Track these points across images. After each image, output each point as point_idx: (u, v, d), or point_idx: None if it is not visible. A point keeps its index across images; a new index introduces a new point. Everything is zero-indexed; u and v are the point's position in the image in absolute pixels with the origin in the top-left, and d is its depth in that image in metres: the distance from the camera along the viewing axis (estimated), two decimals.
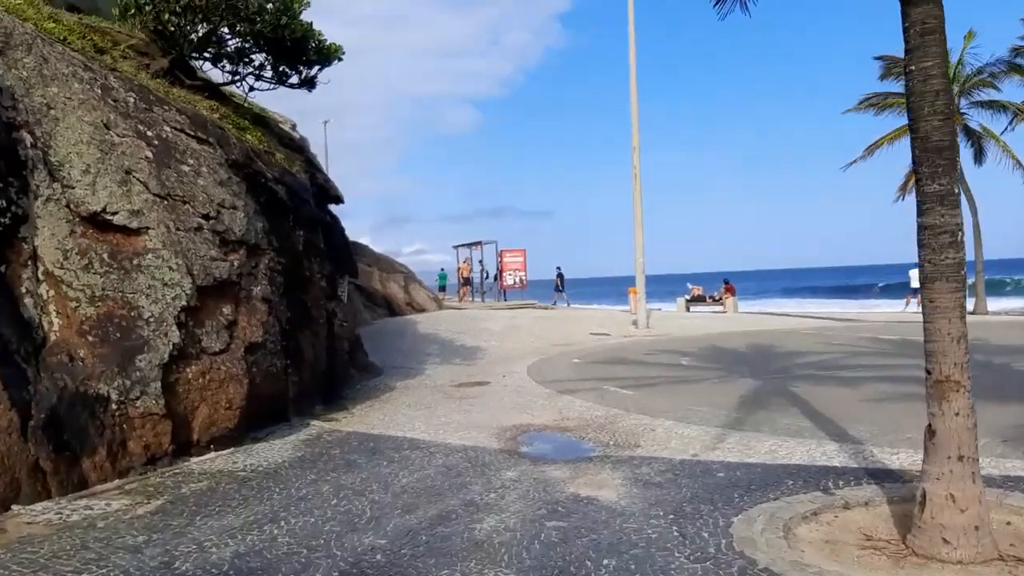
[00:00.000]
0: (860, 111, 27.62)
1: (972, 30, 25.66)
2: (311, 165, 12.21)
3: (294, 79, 10.26)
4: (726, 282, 28.64)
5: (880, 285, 69.79)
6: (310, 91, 10.49)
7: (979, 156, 27.02)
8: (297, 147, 11.84)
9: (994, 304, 28.28)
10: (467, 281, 32.60)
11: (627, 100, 21.74)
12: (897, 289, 68.63)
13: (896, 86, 26.75)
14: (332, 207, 12.76)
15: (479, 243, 31.14)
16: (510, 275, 30.59)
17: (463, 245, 32.80)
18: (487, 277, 32.08)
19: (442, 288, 33.17)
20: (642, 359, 14.28)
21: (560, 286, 31.68)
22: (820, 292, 72.52)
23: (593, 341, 18.87)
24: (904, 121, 27.14)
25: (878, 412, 8.02)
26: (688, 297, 29.32)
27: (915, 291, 27.96)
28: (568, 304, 30.97)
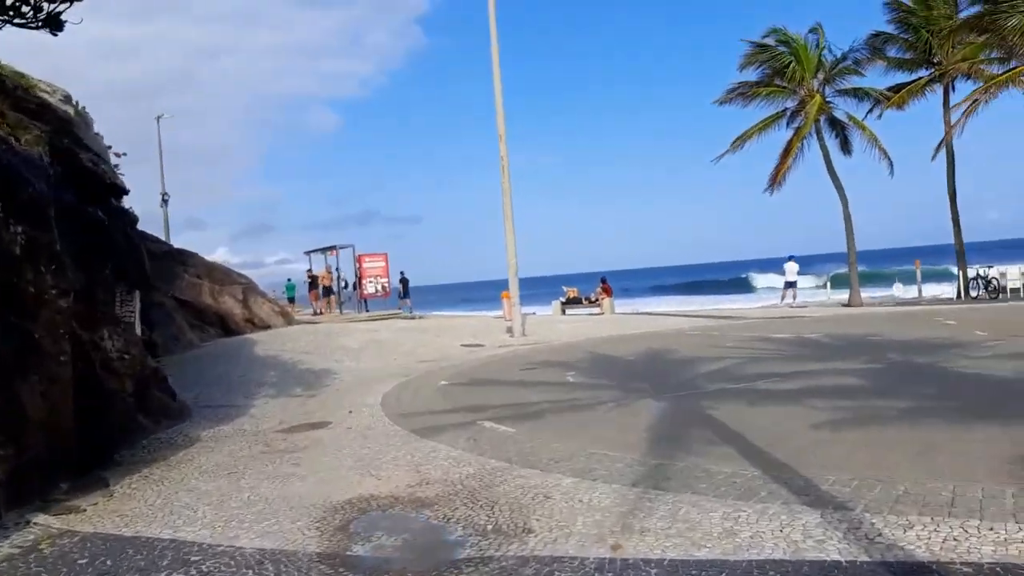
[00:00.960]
0: (729, 102, 26.97)
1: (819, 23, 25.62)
2: (79, 145, 9.13)
3: (28, 12, 7.23)
4: (603, 281, 27.19)
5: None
6: (55, 33, 7.49)
7: (845, 146, 26.99)
8: (56, 119, 8.73)
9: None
10: (329, 291, 29.37)
11: (492, 89, 19.66)
12: (742, 285, 71.76)
13: (757, 74, 26.32)
14: (132, 206, 9.69)
15: (334, 248, 28.08)
16: (371, 282, 27.76)
17: (316, 251, 29.64)
18: (345, 286, 29.07)
19: (291, 300, 29.86)
20: (521, 377, 12.08)
21: (404, 293, 29.17)
22: (691, 289, 74.05)
23: (465, 355, 16.56)
24: (774, 109, 26.77)
25: (837, 447, 6.15)
26: (563, 299, 27.66)
27: (790, 284, 27.60)
28: (412, 312, 28.56)
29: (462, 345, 18.58)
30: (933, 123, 26.34)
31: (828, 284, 29.85)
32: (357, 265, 27.76)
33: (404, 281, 29.02)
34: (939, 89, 26.01)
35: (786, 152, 25.68)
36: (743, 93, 25.89)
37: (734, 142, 26.74)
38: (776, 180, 26.05)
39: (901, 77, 26.87)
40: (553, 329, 21.96)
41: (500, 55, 19.48)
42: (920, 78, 25.91)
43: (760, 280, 65.87)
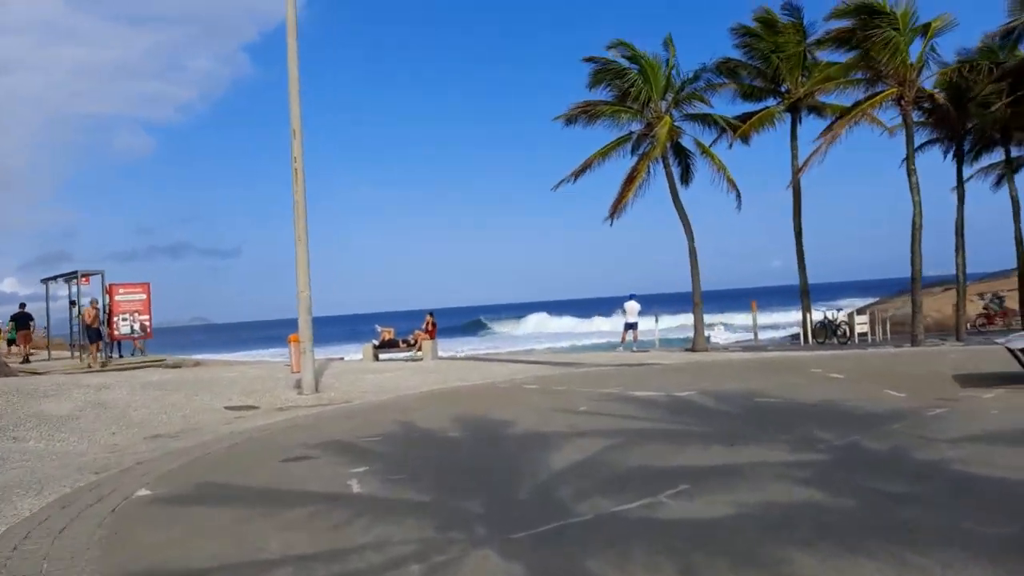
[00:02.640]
0: (574, 121, 24.03)
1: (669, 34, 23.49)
2: None
3: None
4: (429, 316, 23.00)
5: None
6: None
7: (686, 175, 24.91)
8: None
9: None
10: (96, 334, 22.45)
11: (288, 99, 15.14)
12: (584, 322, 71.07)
13: (605, 94, 23.64)
14: None
15: (78, 274, 21.64)
16: (125, 320, 21.65)
17: (53, 278, 22.99)
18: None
19: (11, 342, 22.95)
20: (278, 479, 7.53)
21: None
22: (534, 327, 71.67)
23: (221, 426, 11.67)
24: (618, 134, 24.18)
25: None
26: (376, 342, 23.13)
27: (630, 326, 24.87)
28: (135, 353, 22.84)
29: (227, 408, 13.58)
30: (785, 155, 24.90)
31: (656, 320, 27.32)
32: (106, 297, 21.54)
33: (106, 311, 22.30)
34: (788, 119, 24.74)
35: (630, 179, 23.09)
36: (587, 111, 23.05)
37: (576, 169, 23.84)
38: (618, 208, 23.34)
39: (749, 107, 25.43)
40: (358, 382, 17.42)
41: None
42: (768, 108, 24.46)
43: (598, 323, 65.04)
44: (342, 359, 26.17)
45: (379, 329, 23.32)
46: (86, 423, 11.95)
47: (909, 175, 19.04)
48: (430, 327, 22.75)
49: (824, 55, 23.23)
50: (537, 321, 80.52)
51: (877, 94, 19.08)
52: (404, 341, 22.96)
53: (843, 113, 21.18)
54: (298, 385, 15.67)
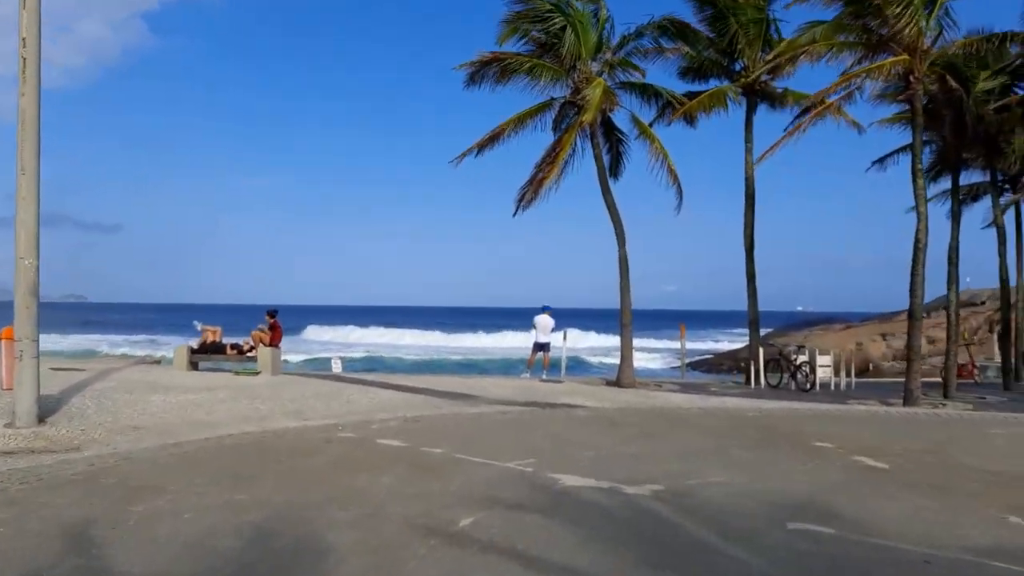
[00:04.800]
0: (479, 79, 18.65)
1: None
2: None
3: None
4: (270, 315, 16.97)
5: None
6: None
7: (615, 165, 20.00)
8: None
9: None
10: None
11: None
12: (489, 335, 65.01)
13: (521, 47, 18.49)
14: None
15: None
16: None
17: None
18: None
19: None
20: None
21: None
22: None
23: None
24: (535, 103, 19.03)
25: None
26: (195, 345, 16.91)
27: (540, 347, 19.63)
28: None
29: None
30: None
31: (564, 337, 21.95)
32: None
33: None
34: (743, 106, 20.20)
35: (553, 156, 17.89)
36: (499, 61, 17.68)
37: (483, 139, 18.44)
38: (537, 192, 18.08)
39: (697, 87, 20.78)
40: (132, 408, 11.40)
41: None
42: (719, 88, 19.84)
43: (509, 337, 59.31)
44: (158, 363, 19.73)
45: (200, 327, 17.14)
46: None
47: (915, 178, 14.64)
48: (270, 330, 16.74)
49: (796, 19, 18.91)
50: (423, 334, 74.20)
51: (874, 66, 14.56)
52: (234, 346, 16.84)
53: (813, 101, 16.63)
54: (12, 417, 9.56)
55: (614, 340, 58.77)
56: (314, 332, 70.10)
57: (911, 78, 14.26)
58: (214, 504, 6.12)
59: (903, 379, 15.48)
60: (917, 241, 14.52)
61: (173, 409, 11.74)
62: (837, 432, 10.58)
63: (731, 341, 55.80)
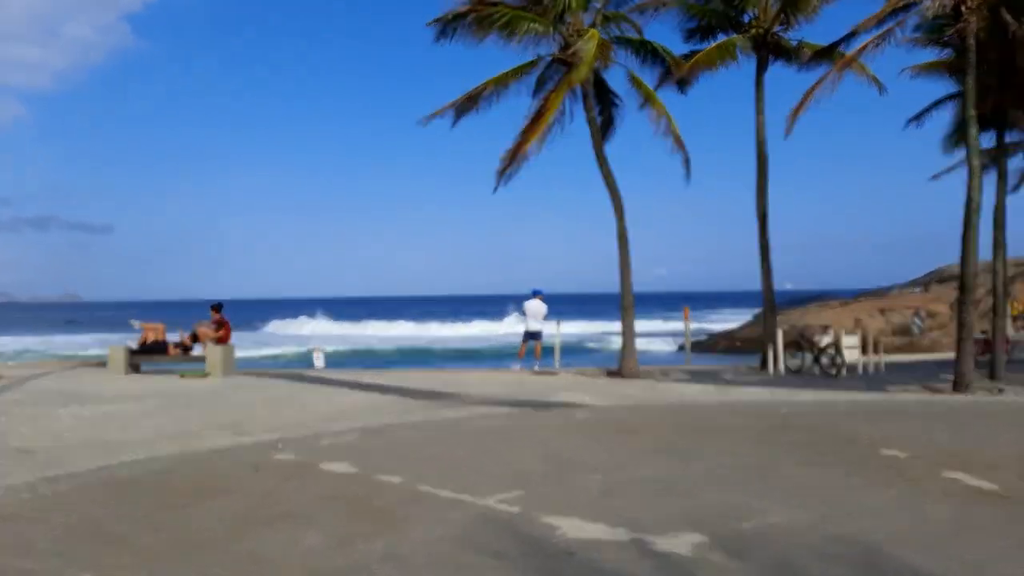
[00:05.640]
0: (452, 31, 16.34)
1: None
2: None
3: None
4: (215, 309, 14.76)
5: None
6: None
7: (606, 128, 17.80)
8: None
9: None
10: None
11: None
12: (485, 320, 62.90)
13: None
14: None
15: None
16: None
17: None
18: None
19: None
20: None
21: None
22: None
23: None
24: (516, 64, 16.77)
25: None
26: (135, 345, 14.70)
27: (531, 335, 17.53)
28: None
29: None
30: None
31: (559, 324, 19.60)
32: None
33: None
34: (753, 62, 18.01)
35: (537, 116, 15.64)
36: (476, 11, 15.34)
37: (460, 100, 16.17)
38: (514, 160, 15.85)
39: (696, 46, 18.54)
40: (30, 425, 9.24)
41: None
42: (727, 39, 17.64)
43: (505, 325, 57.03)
44: (104, 364, 17.49)
45: (138, 325, 14.91)
46: None
47: (967, 126, 12.51)
48: (216, 326, 14.52)
49: None
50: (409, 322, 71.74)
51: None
52: (178, 345, 14.64)
53: (844, 37, 14.38)
54: None
55: (605, 326, 57.10)
56: (302, 325, 67.79)
57: (963, 8, 12.12)
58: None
59: (911, 357, 13.42)
60: (969, 201, 12.41)
61: (82, 426, 9.58)
62: (901, 433, 8.51)
63: (723, 321, 53.94)
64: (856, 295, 46.58)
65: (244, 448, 8.22)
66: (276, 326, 67.43)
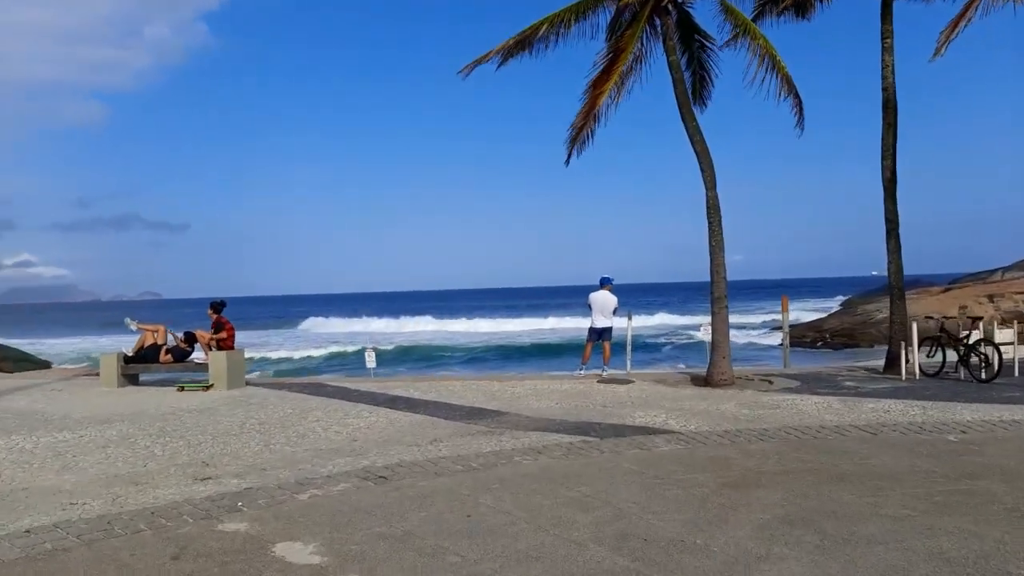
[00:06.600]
0: None
1: None
2: None
3: None
4: (214, 309, 12.49)
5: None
6: None
7: (700, 88, 14.78)
8: None
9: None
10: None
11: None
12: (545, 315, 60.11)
13: None
14: None
15: None
16: None
17: None
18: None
19: None
20: None
21: None
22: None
23: None
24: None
25: None
26: (130, 351, 12.57)
27: (598, 332, 14.68)
28: None
29: None
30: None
31: (629, 318, 16.39)
32: None
33: None
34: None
35: (610, 64, 12.77)
36: None
37: (508, 44, 13.38)
38: (587, 123, 13.02)
39: None
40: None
41: None
42: None
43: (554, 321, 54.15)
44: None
45: (135, 326, 12.79)
46: None
47: None
48: (215, 329, 12.22)
49: None
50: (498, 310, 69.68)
51: None
52: (169, 350, 12.38)
53: None
54: None
55: (682, 319, 53.31)
56: (367, 323, 66.50)
57: None
58: None
59: None
60: None
61: (12, 463, 7.32)
62: None
63: (799, 311, 49.61)
64: (952, 280, 42.16)
65: (190, 506, 5.74)
66: (335, 324, 66.33)
